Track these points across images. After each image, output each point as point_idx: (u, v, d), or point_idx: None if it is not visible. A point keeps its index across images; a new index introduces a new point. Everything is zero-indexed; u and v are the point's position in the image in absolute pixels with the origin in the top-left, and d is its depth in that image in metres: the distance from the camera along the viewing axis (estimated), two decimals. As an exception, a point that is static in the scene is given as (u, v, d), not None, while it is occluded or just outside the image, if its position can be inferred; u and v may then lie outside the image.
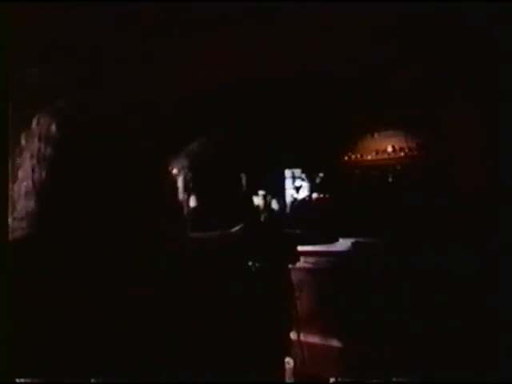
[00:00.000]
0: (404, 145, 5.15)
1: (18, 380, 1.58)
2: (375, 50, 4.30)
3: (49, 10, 3.01)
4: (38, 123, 1.78)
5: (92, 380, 1.65)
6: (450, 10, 3.51)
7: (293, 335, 2.32)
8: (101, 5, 3.05)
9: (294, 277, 2.42)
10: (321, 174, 5.71)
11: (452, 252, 2.54)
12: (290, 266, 2.39)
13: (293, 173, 5.90)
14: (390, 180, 5.27)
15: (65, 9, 3.00)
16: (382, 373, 2.37)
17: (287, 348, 2.01)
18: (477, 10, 3.48)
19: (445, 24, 3.77)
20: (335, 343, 2.59)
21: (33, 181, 1.68)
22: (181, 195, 1.84)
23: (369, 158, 5.38)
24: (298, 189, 5.82)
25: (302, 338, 2.27)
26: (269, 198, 5.37)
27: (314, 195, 5.71)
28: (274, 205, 5.48)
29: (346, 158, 5.50)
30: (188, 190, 1.81)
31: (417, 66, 4.44)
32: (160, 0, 3.26)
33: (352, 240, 2.91)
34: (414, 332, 2.39)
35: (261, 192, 5.29)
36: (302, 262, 2.62)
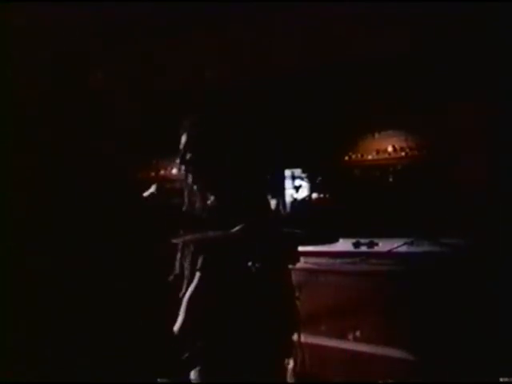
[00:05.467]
0: (404, 145, 5.15)
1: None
2: (375, 50, 4.31)
3: (49, 11, 3.01)
4: None
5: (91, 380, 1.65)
6: (450, 11, 3.51)
7: (293, 336, 2.32)
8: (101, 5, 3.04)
9: (294, 277, 2.41)
10: (321, 174, 5.70)
11: (452, 252, 2.53)
12: (290, 266, 2.38)
13: (293, 173, 5.89)
14: (391, 180, 5.27)
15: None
16: (384, 373, 2.37)
17: (287, 349, 2.01)
18: (477, 10, 3.48)
19: (445, 24, 3.78)
20: (336, 344, 2.59)
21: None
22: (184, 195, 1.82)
23: (369, 157, 5.37)
24: (297, 189, 5.81)
25: (303, 338, 2.27)
26: (269, 198, 5.35)
27: (314, 195, 5.70)
28: (274, 205, 5.47)
29: (346, 157, 5.49)
30: (188, 190, 1.79)
31: (417, 65, 4.45)
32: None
33: (352, 240, 2.90)
34: (414, 332, 2.38)
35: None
36: (302, 263, 2.61)
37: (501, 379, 1.99)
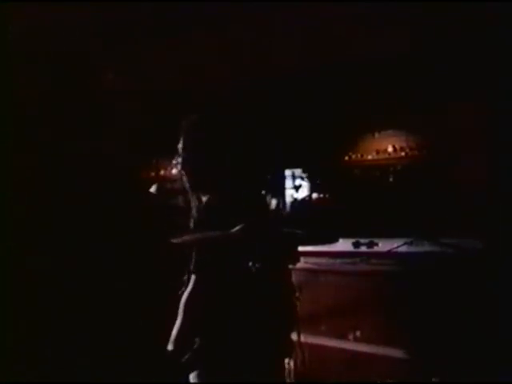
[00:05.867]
0: (404, 145, 5.15)
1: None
2: (375, 50, 4.31)
3: (49, 11, 3.02)
4: None
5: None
6: (450, 11, 3.51)
7: (293, 336, 2.32)
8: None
9: (294, 277, 2.42)
10: (321, 174, 5.70)
11: (452, 252, 2.53)
12: (290, 266, 2.38)
13: (293, 173, 5.89)
14: (391, 180, 5.27)
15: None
16: (385, 373, 2.37)
17: (287, 349, 2.01)
18: (477, 10, 3.48)
19: (445, 24, 3.78)
20: (336, 344, 2.59)
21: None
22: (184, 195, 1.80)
23: (369, 157, 5.37)
24: (297, 189, 5.81)
25: (303, 338, 2.27)
26: (269, 197, 5.35)
27: (314, 195, 5.70)
28: (274, 205, 5.47)
29: (346, 158, 5.49)
30: (188, 190, 1.78)
31: (417, 65, 4.45)
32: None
33: (352, 240, 2.90)
34: (414, 332, 2.38)
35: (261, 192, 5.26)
36: (302, 263, 2.61)
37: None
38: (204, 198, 1.67)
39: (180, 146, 1.70)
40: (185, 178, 1.70)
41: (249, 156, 1.81)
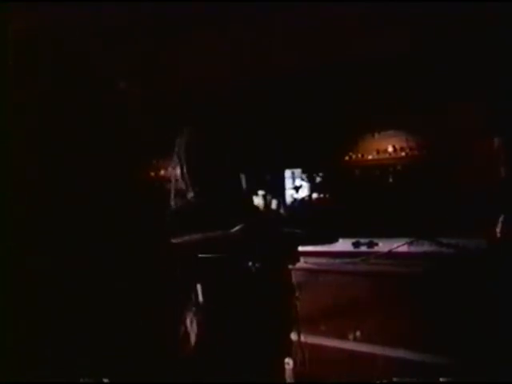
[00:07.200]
0: (404, 145, 5.15)
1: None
2: (375, 50, 4.31)
3: (49, 11, 3.02)
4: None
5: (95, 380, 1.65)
6: (450, 11, 3.51)
7: (293, 336, 2.32)
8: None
9: (294, 277, 2.42)
10: (321, 174, 5.70)
11: (452, 252, 2.53)
12: (290, 266, 2.38)
13: (293, 173, 5.89)
14: (391, 180, 5.27)
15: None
16: (385, 373, 2.37)
17: (287, 348, 2.01)
18: (477, 10, 3.48)
19: (445, 24, 3.78)
20: (336, 344, 2.59)
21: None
22: (180, 195, 1.80)
23: (369, 157, 5.38)
24: (297, 188, 5.81)
25: (303, 338, 2.27)
26: (269, 198, 5.35)
27: (314, 195, 5.70)
28: (274, 205, 5.47)
29: (346, 157, 5.49)
30: (187, 190, 1.78)
31: (417, 65, 4.46)
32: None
33: (352, 240, 2.90)
34: (414, 332, 2.39)
35: (261, 192, 5.27)
36: (302, 263, 2.61)
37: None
38: (204, 198, 1.68)
39: (180, 146, 1.71)
40: (185, 179, 1.71)
41: (249, 156, 1.81)
